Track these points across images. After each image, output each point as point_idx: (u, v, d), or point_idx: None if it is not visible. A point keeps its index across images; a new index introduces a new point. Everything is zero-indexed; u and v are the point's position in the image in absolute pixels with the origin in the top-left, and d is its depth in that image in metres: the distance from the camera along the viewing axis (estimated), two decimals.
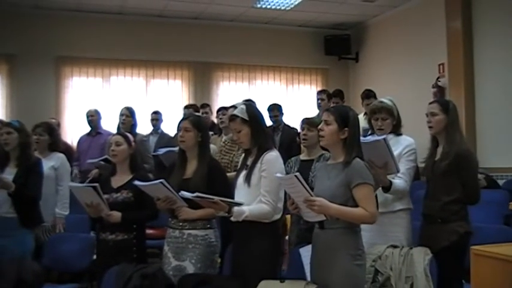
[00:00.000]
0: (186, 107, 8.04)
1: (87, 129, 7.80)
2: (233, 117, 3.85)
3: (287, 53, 10.48)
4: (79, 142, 7.79)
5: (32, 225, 4.70)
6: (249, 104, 4.05)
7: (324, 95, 7.93)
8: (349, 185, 3.22)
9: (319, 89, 9.67)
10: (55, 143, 5.60)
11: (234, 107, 3.89)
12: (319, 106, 7.84)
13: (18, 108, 9.02)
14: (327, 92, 8.06)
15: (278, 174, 3.41)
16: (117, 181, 4.36)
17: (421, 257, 3.69)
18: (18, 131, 4.72)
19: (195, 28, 9.98)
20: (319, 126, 3.42)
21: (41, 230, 5.09)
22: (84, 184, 4.22)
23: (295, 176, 3.17)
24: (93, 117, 7.67)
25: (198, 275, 3.78)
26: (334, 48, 10.62)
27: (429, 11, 8.69)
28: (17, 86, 9.19)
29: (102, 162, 6.26)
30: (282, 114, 7.59)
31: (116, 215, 4.16)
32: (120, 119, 7.16)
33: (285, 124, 7.57)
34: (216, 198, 3.53)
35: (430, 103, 4.13)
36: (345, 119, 3.33)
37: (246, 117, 3.78)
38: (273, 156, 3.73)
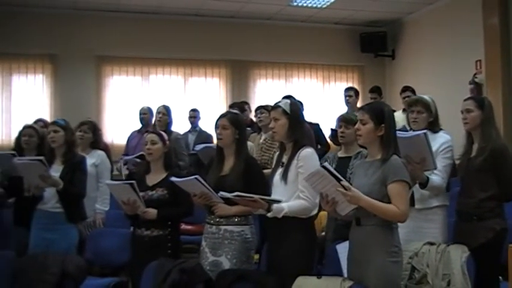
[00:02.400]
0: (231, 106, 7.93)
1: (128, 126, 7.88)
2: (275, 107, 3.87)
3: (323, 51, 10.41)
4: (129, 138, 7.86)
5: (76, 220, 4.78)
6: (295, 101, 4.03)
7: (352, 91, 7.91)
8: (385, 182, 3.20)
9: (355, 86, 9.61)
10: (97, 142, 5.70)
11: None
12: (347, 103, 7.83)
13: (61, 106, 9.17)
14: (354, 89, 8.04)
15: (305, 176, 3.37)
16: (151, 179, 4.39)
17: (458, 254, 3.65)
18: (64, 129, 4.77)
19: (232, 27, 10.00)
20: (356, 126, 3.39)
21: (83, 225, 5.17)
22: (121, 181, 4.27)
23: (323, 166, 3.16)
24: (145, 115, 7.71)
25: (235, 271, 3.81)
26: (370, 45, 10.53)
27: (465, 7, 8.55)
28: (60, 85, 9.35)
29: (138, 160, 6.32)
30: (303, 110, 7.57)
31: (152, 212, 4.19)
32: (156, 116, 7.18)
33: (305, 121, 7.53)
34: (256, 196, 3.54)
35: (465, 100, 4.08)
36: (381, 116, 3.30)
37: (287, 110, 3.79)
38: (308, 152, 3.73)
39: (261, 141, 5.83)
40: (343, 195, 3.14)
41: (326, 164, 3.19)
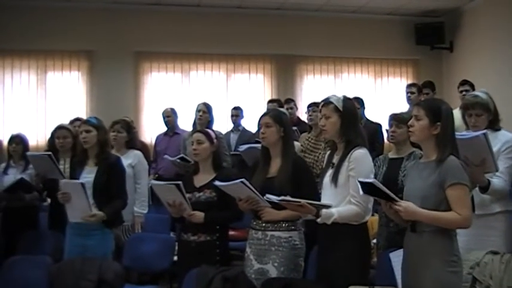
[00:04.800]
0: (269, 102, 7.97)
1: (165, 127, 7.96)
2: (327, 103, 3.82)
3: (375, 44, 10.30)
4: (156, 142, 7.96)
5: (112, 225, 4.79)
6: (348, 97, 3.98)
7: (414, 88, 7.82)
8: (442, 185, 3.15)
9: (409, 81, 9.50)
10: (132, 141, 5.75)
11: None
12: (408, 100, 7.73)
13: (98, 104, 9.31)
14: (417, 86, 7.94)
15: (360, 190, 3.32)
16: (199, 180, 4.38)
17: None
18: (96, 128, 4.75)
19: (277, 19, 9.98)
20: (409, 122, 3.35)
21: (121, 230, 5.23)
22: (167, 182, 4.28)
23: (371, 183, 3.13)
24: (170, 118, 7.83)
25: (281, 279, 3.80)
26: (426, 37, 10.37)
27: None
28: (97, 83, 9.50)
29: (178, 161, 6.35)
30: (364, 108, 7.52)
31: (199, 215, 4.18)
32: (196, 115, 7.14)
33: (367, 119, 7.49)
34: (303, 201, 3.51)
35: None
36: (437, 113, 3.25)
37: (340, 106, 3.74)
38: (361, 153, 3.67)
39: (304, 140, 5.62)
40: (397, 212, 3.12)
41: (374, 180, 3.15)
